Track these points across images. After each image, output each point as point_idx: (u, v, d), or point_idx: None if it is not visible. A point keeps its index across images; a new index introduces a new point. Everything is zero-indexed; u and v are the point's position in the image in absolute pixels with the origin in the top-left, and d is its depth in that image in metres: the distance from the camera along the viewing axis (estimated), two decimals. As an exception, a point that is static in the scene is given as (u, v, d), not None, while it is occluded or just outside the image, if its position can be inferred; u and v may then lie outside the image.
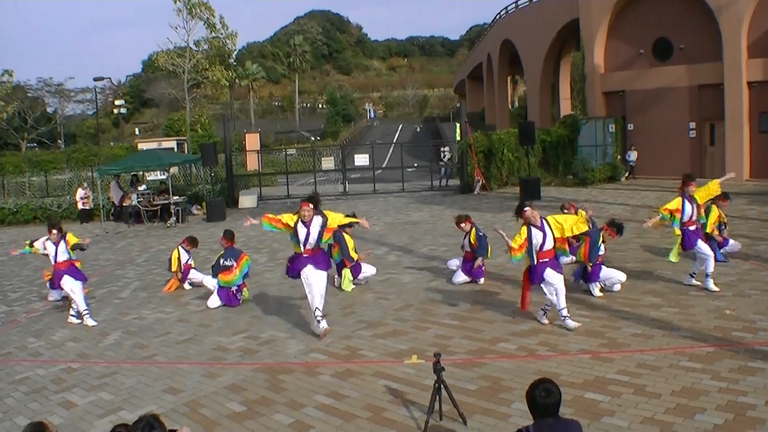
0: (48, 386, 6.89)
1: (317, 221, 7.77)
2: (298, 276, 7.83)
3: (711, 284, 8.56)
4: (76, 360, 7.69)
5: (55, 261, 9.26)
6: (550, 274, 7.43)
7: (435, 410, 5.15)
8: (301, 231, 7.72)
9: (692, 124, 22.39)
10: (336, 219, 8.04)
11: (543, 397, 3.38)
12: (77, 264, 9.54)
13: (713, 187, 8.99)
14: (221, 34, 40.51)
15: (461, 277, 9.90)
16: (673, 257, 8.77)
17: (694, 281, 8.86)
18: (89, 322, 9.14)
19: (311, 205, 7.72)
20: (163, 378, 6.86)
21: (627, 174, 23.43)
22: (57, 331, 9.03)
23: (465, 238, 9.94)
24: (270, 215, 7.97)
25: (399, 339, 7.53)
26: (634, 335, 7.03)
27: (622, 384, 5.76)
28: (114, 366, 7.36)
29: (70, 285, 9.23)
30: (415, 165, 30.02)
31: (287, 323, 8.47)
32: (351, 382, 6.33)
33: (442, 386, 5.11)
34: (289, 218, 7.79)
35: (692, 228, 8.66)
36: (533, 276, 7.53)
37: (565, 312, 7.43)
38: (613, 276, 8.73)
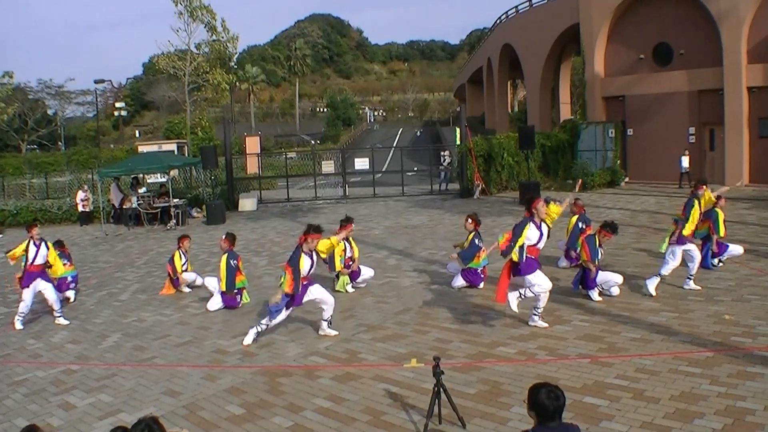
0: (47, 388, 6.89)
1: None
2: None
3: (691, 284, 8.89)
4: (76, 362, 7.69)
5: (32, 263, 9.33)
6: (538, 272, 7.50)
7: (434, 414, 5.15)
8: (308, 263, 7.57)
9: (692, 129, 22.43)
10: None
11: (552, 399, 3.39)
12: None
13: (709, 197, 9.35)
14: (222, 37, 40.47)
15: (461, 281, 9.91)
16: (663, 248, 9.10)
17: (692, 285, 8.89)
18: (61, 321, 9.43)
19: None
20: (162, 380, 6.86)
21: (680, 183, 21.20)
22: (56, 332, 9.03)
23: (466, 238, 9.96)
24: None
25: (398, 342, 7.54)
26: (633, 340, 7.04)
27: (621, 388, 5.76)
28: (113, 368, 7.36)
29: (44, 285, 9.39)
30: (415, 169, 30.07)
31: (287, 326, 8.47)
32: (350, 386, 6.33)
33: (441, 390, 5.12)
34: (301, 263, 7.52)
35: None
36: (523, 268, 7.44)
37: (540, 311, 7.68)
38: (609, 279, 8.74)
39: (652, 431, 4.96)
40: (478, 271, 9.80)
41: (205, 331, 8.57)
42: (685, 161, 21.49)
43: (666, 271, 8.86)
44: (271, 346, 7.76)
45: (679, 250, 8.79)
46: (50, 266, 9.58)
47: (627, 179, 23.43)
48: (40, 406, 6.39)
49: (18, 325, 9.33)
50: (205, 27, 39.54)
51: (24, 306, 9.35)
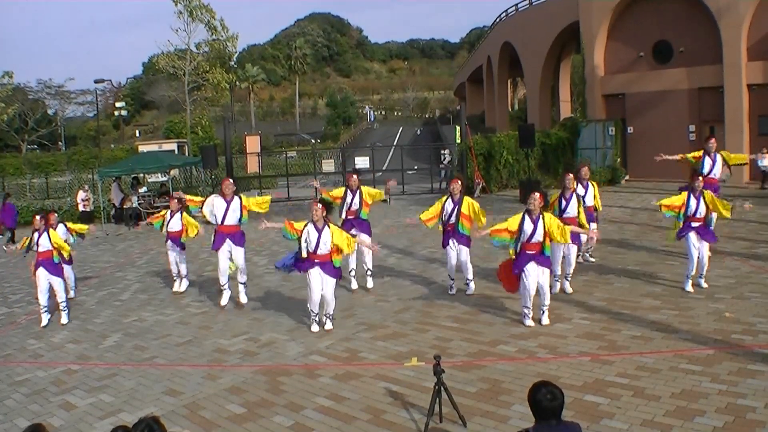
0: (48, 388, 6.90)
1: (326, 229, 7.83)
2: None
3: (688, 286, 8.73)
4: (76, 362, 7.70)
5: (36, 250, 9.47)
6: (531, 267, 7.52)
7: (435, 412, 5.16)
8: (313, 236, 7.76)
9: (692, 127, 22.39)
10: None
11: (549, 400, 3.39)
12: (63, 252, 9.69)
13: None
14: (222, 36, 40.49)
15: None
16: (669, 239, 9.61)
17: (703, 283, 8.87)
18: (63, 319, 9.47)
19: (320, 205, 7.85)
20: (163, 380, 6.87)
21: (763, 184, 19.37)
22: (57, 332, 9.04)
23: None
24: (290, 222, 8.06)
25: (399, 341, 7.54)
26: (633, 338, 7.03)
27: (622, 386, 5.76)
28: (114, 368, 7.37)
29: (48, 278, 9.39)
30: (416, 167, 30.03)
31: (287, 325, 8.48)
32: (351, 385, 6.34)
33: (442, 388, 5.12)
34: (301, 224, 7.93)
35: (696, 224, 8.72)
36: (516, 265, 7.63)
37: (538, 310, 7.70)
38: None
39: (653, 429, 4.96)
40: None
41: (206, 331, 8.58)
42: (766, 160, 19.17)
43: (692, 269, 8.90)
44: (271, 345, 7.77)
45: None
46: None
47: (627, 177, 23.39)
48: (40, 406, 6.40)
49: (64, 319, 9.47)
50: (204, 26, 39.56)
51: (60, 292, 9.48)
